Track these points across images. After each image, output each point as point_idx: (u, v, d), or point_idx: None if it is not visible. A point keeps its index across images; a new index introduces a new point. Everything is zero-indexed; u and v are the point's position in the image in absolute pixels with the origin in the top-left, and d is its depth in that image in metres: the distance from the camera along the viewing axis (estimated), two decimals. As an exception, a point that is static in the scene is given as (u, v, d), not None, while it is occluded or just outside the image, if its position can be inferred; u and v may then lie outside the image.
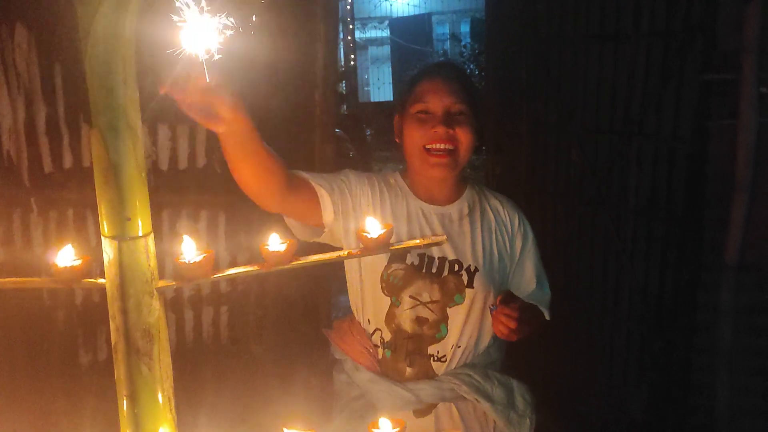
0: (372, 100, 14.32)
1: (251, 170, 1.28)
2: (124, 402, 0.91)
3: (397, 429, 0.94)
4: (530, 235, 1.59)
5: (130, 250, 0.88)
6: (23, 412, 2.18)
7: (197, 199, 2.26)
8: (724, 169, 1.90)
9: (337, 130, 7.02)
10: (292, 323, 2.42)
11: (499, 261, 1.53)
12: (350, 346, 1.56)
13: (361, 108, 12.66)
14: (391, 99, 13.66)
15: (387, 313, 1.49)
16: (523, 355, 3.16)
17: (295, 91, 2.30)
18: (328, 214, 1.43)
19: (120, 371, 0.90)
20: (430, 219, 1.50)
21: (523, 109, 2.97)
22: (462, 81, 1.50)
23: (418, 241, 0.97)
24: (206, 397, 2.40)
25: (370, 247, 0.93)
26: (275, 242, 0.92)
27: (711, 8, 1.88)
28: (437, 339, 1.49)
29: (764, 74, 1.79)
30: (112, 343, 0.91)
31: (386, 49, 14.17)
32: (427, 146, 1.45)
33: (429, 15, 13.56)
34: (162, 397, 0.93)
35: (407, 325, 1.49)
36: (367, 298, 1.51)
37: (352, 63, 12.72)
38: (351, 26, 12.70)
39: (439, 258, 1.49)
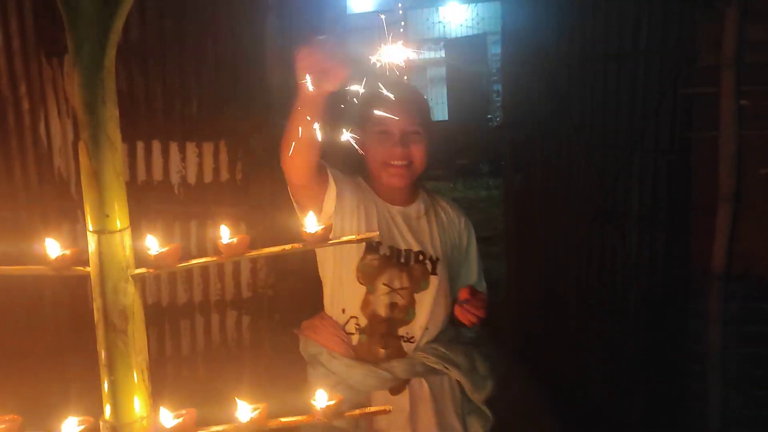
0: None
1: (308, 138, 1.41)
2: (104, 373, 1.08)
3: (333, 401, 1.06)
4: (473, 233, 1.83)
5: (108, 242, 1.05)
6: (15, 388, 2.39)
7: (219, 210, 2.48)
8: (709, 181, 1.94)
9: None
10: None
11: (452, 253, 1.77)
12: (325, 337, 1.72)
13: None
14: (446, 119, 13.81)
15: (363, 301, 1.67)
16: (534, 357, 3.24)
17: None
18: (329, 204, 1.62)
19: (100, 345, 1.07)
20: (395, 217, 1.71)
21: (537, 128, 3.08)
22: (419, 101, 1.72)
23: (353, 236, 1.10)
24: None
25: (308, 242, 1.07)
26: (226, 235, 1.07)
27: (690, 26, 1.94)
28: (407, 321, 1.68)
29: (743, 88, 1.84)
30: (95, 321, 1.08)
31: (443, 70, 14.32)
32: (386, 162, 1.65)
33: (484, 35, 13.62)
34: (136, 369, 1.08)
35: (381, 310, 1.67)
36: (344, 288, 1.69)
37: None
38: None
39: (405, 250, 1.69)
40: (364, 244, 1.66)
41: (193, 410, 1.10)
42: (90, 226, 1.05)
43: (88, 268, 1.07)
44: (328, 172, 1.62)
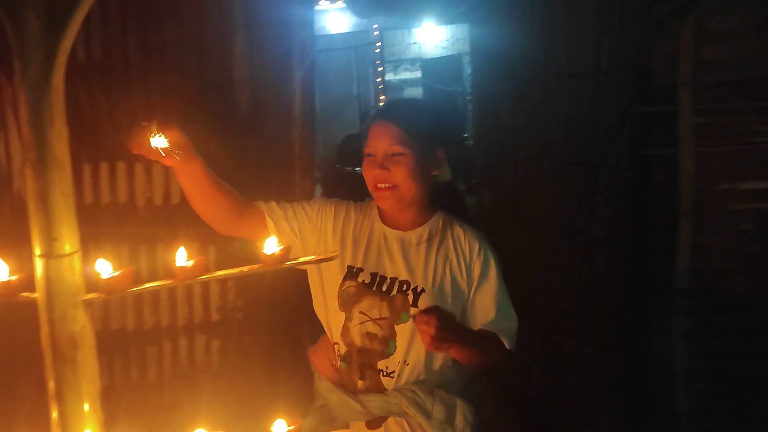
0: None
1: (203, 200, 1.54)
2: (53, 403, 1.04)
3: (292, 427, 1.04)
4: (491, 264, 1.64)
5: (56, 267, 1.01)
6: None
7: (187, 232, 2.43)
8: (669, 197, 1.97)
9: (356, 168, 7.20)
10: (275, 348, 2.55)
11: (452, 285, 1.60)
12: (316, 356, 1.70)
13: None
14: (423, 138, 13.89)
15: (342, 327, 1.62)
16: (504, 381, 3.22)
17: (274, 129, 2.49)
18: (279, 236, 1.57)
19: (48, 375, 1.03)
20: (390, 242, 1.63)
21: (505, 146, 3.12)
22: (403, 122, 1.60)
23: (313, 257, 1.09)
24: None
25: (266, 263, 1.05)
26: (182, 258, 1.05)
27: (648, 46, 1.99)
28: (386, 354, 1.58)
29: (699, 106, 1.89)
30: (43, 349, 1.05)
31: (420, 90, 14.46)
32: (373, 185, 1.60)
33: (459, 55, 13.79)
34: (87, 398, 1.05)
35: (358, 340, 1.60)
36: (329, 313, 1.65)
37: (380, 104, 13.02)
38: (380, 68, 13.05)
39: (390, 278, 1.60)
40: (345, 270, 1.61)
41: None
42: (37, 250, 1.02)
43: (35, 294, 1.04)
44: (264, 211, 1.60)
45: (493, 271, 1.63)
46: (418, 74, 14.31)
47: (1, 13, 0.96)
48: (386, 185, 1.57)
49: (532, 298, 2.79)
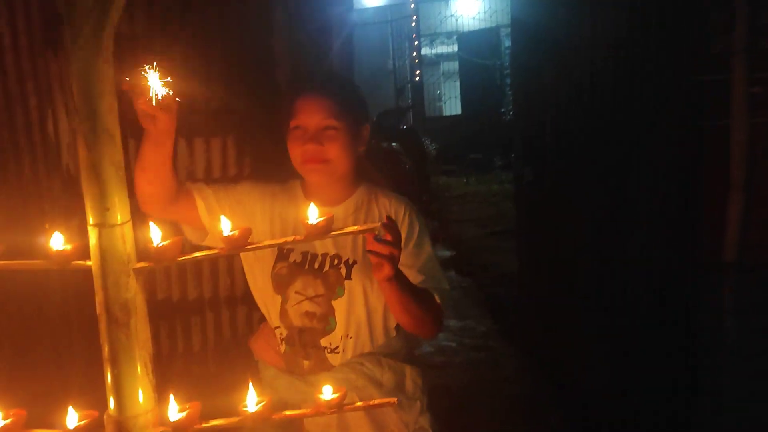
0: (444, 114, 14.48)
1: (154, 175, 1.48)
2: (108, 366, 1.08)
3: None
4: (417, 228, 1.61)
5: (108, 236, 1.04)
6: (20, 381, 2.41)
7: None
8: (720, 170, 1.91)
9: (393, 144, 7.19)
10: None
11: None
12: (259, 345, 1.71)
13: (427, 122, 12.82)
14: (460, 113, 13.79)
15: (280, 310, 1.62)
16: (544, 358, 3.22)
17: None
18: (203, 217, 1.57)
19: (103, 339, 1.07)
20: None
21: (547, 120, 3.06)
22: (337, 96, 1.57)
23: (356, 227, 1.09)
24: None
25: (310, 234, 1.06)
26: (227, 228, 1.06)
27: (701, 13, 1.90)
28: (327, 331, 1.59)
29: (754, 75, 1.81)
30: (98, 315, 1.08)
31: (456, 64, 14.29)
32: (303, 160, 1.56)
33: (497, 28, 13.54)
34: (139, 362, 1.08)
35: (297, 320, 1.60)
36: (265, 298, 1.65)
37: (417, 78, 12.92)
38: (416, 42, 12.91)
39: (321, 254, 1.60)
40: (276, 252, 1.60)
41: (198, 403, 1.10)
42: (90, 220, 1.05)
43: (89, 262, 1.07)
44: (193, 191, 1.57)
45: (420, 235, 1.61)
46: (454, 48, 14.18)
47: (53, -14, 0.98)
48: (318, 159, 1.54)
49: (572, 274, 2.76)
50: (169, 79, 1.22)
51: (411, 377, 1.62)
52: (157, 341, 2.65)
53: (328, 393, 1.07)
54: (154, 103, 1.24)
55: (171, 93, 1.25)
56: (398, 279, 1.39)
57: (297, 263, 1.60)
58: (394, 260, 1.32)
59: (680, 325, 2.18)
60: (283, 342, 1.63)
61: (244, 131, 2.56)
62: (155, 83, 1.19)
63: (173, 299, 2.64)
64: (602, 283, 2.68)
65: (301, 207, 1.60)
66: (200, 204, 1.57)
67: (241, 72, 2.53)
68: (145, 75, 1.18)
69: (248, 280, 1.69)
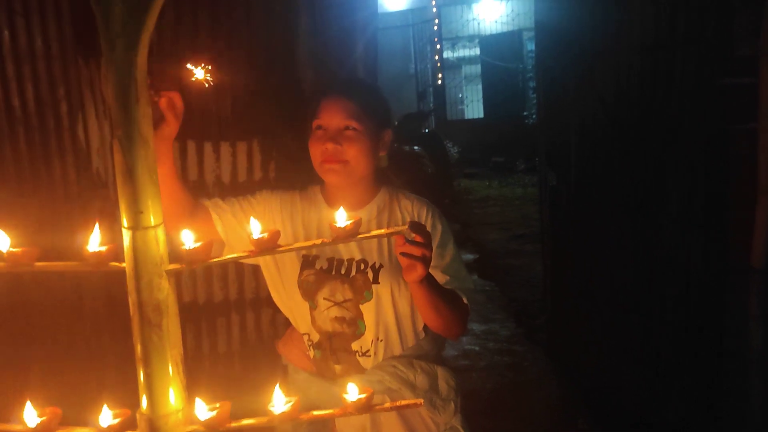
0: (466, 118, 14.46)
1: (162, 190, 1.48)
2: (140, 366, 1.11)
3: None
4: (440, 229, 1.61)
5: (142, 238, 1.07)
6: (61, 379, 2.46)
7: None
8: (748, 174, 1.89)
9: (415, 147, 7.20)
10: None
11: None
12: (288, 349, 1.72)
13: (449, 125, 12.82)
14: (482, 116, 13.76)
15: (310, 317, 1.62)
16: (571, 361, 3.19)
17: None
18: (221, 233, 1.59)
19: (136, 339, 1.10)
20: None
21: (572, 124, 3.04)
22: (359, 98, 1.57)
23: (383, 230, 1.11)
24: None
25: (338, 237, 1.07)
26: (256, 231, 1.08)
27: (727, 14, 1.89)
28: (358, 335, 1.60)
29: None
30: (131, 315, 1.11)
31: (478, 67, 14.26)
32: (322, 160, 1.56)
33: (520, 31, 13.50)
34: (171, 362, 1.10)
35: (327, 326, 1.60)
36: (292, 305, 1.65)
37: (439, 82, 12.92)
38: (438, 46, 12.92)
39: (347, 260, 1.60)
40: (301, 260, 1.61)
41: (228, 402, 1.12)
42: (125, 222, 1.07)
43: (123, 264, 1.10)
44: (209, 209, 1.59)
45: (443, 236, 1.61)
46: (476, 51, 14.16)
47: (90, -4, 1.01)
48: (336, 160, 1.54)
49: (597, 277, 2.75)
50: (200, 76, 1.30)
51: (444, 378, 1.63)
52: (183, 343, 2.68)
53: (354, 393, 1.08)
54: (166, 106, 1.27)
55: (181, 100, 1.30)
56: (428, 280, 1.39)
57: (324, 269, 1.60)
58: (426, 261, 1.32)
59: (708, 330, 2.16)
60: (313, 347, 1.65)
61: (269, 135, 2.59)
62: (187, 81, 1.24)
63: (199, 302, 2.68)
64: (628, 287, 2.66)
65: (323, 212, 1.62)
66: (216, 220, 1.60)
67: (266, 76, 2.56)
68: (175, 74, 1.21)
69: (271, 290, 1.70)
